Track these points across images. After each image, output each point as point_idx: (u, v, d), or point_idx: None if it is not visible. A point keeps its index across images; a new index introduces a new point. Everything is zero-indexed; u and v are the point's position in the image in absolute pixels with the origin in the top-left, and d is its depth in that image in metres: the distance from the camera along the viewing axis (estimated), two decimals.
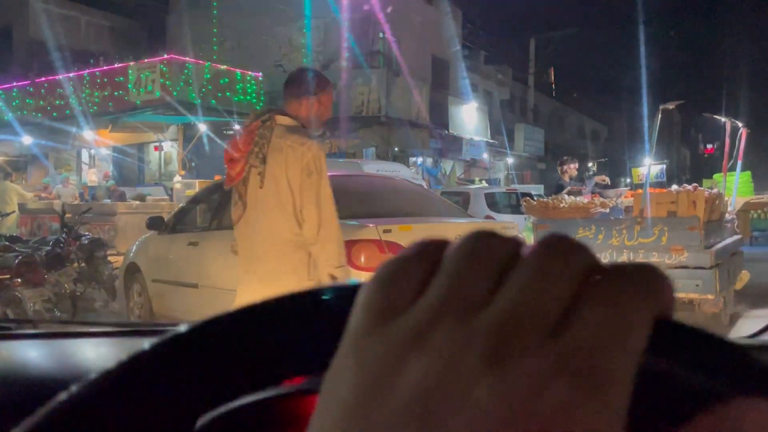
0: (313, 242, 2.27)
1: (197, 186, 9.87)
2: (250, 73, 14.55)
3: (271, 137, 2.29)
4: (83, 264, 5.56)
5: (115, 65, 13.96)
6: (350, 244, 3.31)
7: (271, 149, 2.28)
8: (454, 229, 4.13)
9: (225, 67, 14.41)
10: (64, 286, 5.23)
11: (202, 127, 13.06)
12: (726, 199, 5.97)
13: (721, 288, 4.48)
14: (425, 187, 8.10)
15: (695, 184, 5.36)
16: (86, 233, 6.24)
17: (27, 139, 14.48)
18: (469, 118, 19.06)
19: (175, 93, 12.64)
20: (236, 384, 0.26)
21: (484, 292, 0.19)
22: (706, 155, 34.20)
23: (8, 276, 4.97)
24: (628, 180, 19.57)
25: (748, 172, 10.47)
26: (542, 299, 0.18)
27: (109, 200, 11.43)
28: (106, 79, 13.83)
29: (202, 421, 0.28)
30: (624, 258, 4.65)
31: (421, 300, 0.20)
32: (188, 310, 4.66)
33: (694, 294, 4.47)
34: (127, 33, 19.15)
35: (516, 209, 9.70)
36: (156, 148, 16.20)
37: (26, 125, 14.10)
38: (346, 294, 0.23)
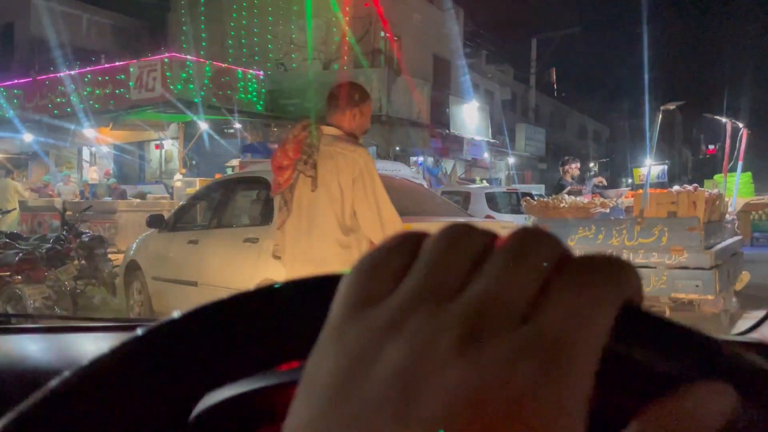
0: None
1: (198, 184, 9.88)
2: (251, 71, 14.56)
3: (319, 146, 2.44)
4: (83, 261, 5.56)
5: (117, 63, 13.97)
6: None
7: (321, 157, 2.43)
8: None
9: (226, 65, 14.42)
10: (65, 283, 5.24)
11: (203, 126, 13.06)
12: (726, 199, 5.96)
13: (720, 289, 4.48)
14: (426, 186, 8.10)
15: (695, 185, 5.36)
16: (87, 231, 6.24)
17: (28, 137, 14.50)
18: (470, 117, 19.03)
19: (176, 91, 12.64)
20: (233, 368, 0.27)
21: (458, 281, 0.20)
22: (707, 156, 34.19)
23: (9, 273, 4.99)
24: (630, 180, 19.54)
25: (749, 173, 10.47)
26: (513, 286, 0.19)
27: (109, 198, 11.44)
28: (107, 77, 13.84)
29: (198, 408, 0.28)
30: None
31: (398, 289, 0.20)
32: (188, 309, 4.66)
33: (694, 294, 4.47)
34: (129, 31, 19.18)
35: (516, 209, 9.70)
36: (157, 146, 16.21)
37: (27, 123, 14.11)
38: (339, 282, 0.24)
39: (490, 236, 0.22)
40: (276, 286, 0.27)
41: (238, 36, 16.44)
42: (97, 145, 15.67)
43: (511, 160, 22.36)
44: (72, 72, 14.00)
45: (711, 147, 32.18)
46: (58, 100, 14.32)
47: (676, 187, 5.52)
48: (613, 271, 0.20)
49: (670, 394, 0.19)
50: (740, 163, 7.24)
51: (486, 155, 20.28)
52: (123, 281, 5.67)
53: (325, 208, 2.42)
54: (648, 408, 0.19)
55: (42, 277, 5.06)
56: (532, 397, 0.17)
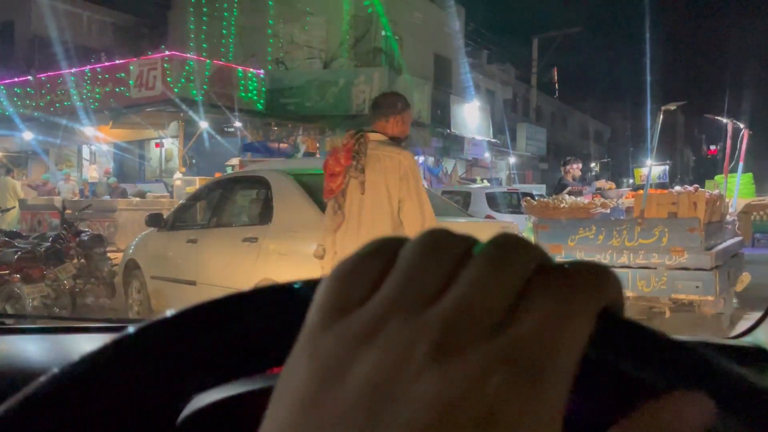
0: None
1: (197, 183, 9.87)
2: (251, 70, 14.54)
3: (366, 151, 2.68)
4: (83, 260, 5.56)
5: (117, 61, 13.96)
6: None
7: (369, 161, 2.67)
8: (453, 228, 4.12)
9: (226, 64, 14.40)
10: (64, 282, 5.23)
11: (203, 125, 13.06)
12: (727, 200, 5.95)
13: (721, 290, 4.47)
14: (426, 186, 8.08)
15: (696, 185, 5.35)
16: (86, 229, 6.24)
17: (28, 135, 14.50)
18: (471, 117, 19.01)
19: (176, 89, 12.64)
20: (221, 370, 0.26)
21: (435, 288, 0.20)
22: (709, 156, 34.19)
23: (7, 271, 4.98)
24: (631, 180, 19.54)
25: (750, 174, 10.44)
26: (488, 295, 0.19)
27: (108, 197, 11.44)
28: (107, 75, 13.83)
29: (186, 411, 0.27)
30: (624, 259, 4.65)
31: (374, 296, 0.20)
32: (178, 309, 4.66)
33: (694, 295, 4.46)
34: (129, 29, 19.18)
35: (517, 209, 9.68)
36: (157, 145, 16.20)
37: (27, 121, 14.11)
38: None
39: (469, 242, 0.21)
40: (269, 287, 0.26)
41: (239, 34, 16.42)
42: (97, 143, 15.66)
43: (512, 159, 22.34)
44: (72, 70, 13.99)
45: (712, 147, 32.17)
46: (58, 98, 14.31)
47: (676, 188, 5.50)
48: (591, 278, 0.20)
49: (648, 404, 0.19)
50: (741, 164, 7.23)
51: (487, 155, 20.27)
52: (122, 280, 5.66)
53: (373, 208, 2.65)
54: (625, 419, 0.19)
55: (41, 276, 5.06)
56: (506, 409, 0.17)
